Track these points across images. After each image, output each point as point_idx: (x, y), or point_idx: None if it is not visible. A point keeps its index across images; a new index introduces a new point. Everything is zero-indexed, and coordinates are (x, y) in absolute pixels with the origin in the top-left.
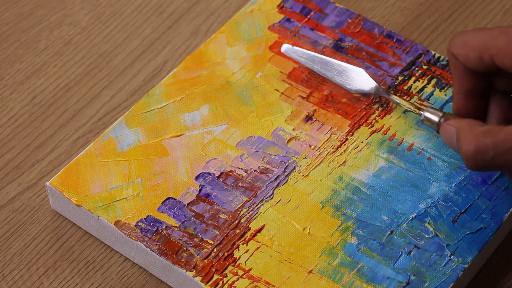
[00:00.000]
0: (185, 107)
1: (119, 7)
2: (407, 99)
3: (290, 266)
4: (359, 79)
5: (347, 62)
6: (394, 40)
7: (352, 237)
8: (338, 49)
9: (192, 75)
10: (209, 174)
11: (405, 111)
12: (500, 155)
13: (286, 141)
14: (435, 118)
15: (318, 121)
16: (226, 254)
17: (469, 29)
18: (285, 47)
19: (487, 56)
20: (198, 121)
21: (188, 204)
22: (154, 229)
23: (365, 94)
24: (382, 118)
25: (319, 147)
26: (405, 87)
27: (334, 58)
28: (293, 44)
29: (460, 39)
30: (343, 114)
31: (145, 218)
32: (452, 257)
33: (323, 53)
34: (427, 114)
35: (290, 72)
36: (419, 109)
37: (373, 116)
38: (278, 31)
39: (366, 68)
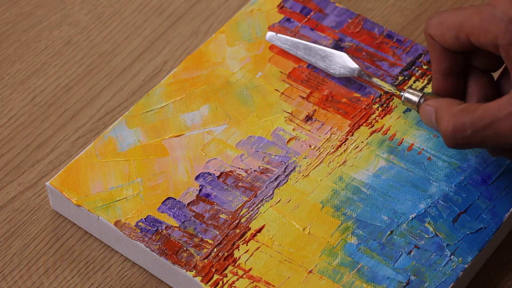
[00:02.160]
0: (185, 107)
1: (119, 7)
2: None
3: (290, 266)
4: (342, 63)
5: (329, 47)
6: (394, 40)
7: (352, 237)
8: (338, 49)
9: (192, 75)
10: (209, 174)
11: (405, 111)
12: (478, 132)
13: (286, 141)
14: (414, 99)
15: (318, 121)
16: (226, 254)
17: (444, 10)
18: (269, 35)
19: (463, 35)
20: (198, 121)
21: (188, 204)
22: (154, 229)
23: (349, 78)
24: (382, 118)
25: (319, 147)
26: (405, 87)
27: (317, 44)
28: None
29: (436, 20)
30: (343, 114)
31: (145, 218)
32: (452, 257)
33: (307, 40)
34: (407, 95)
35: (290, 72)
36: (400, 90)
37: (373, 116)
38: (278, 31)
39: (366, 68)
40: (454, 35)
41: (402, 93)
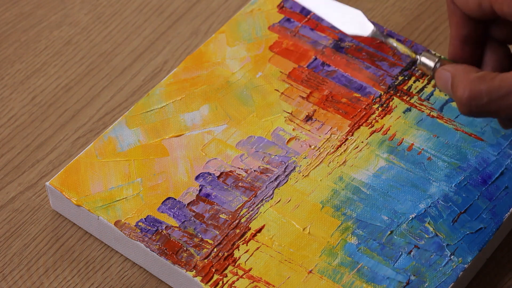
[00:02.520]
0: (185, 107)
1: (119, 7)
2: (407, 97)
3: (290, 266)
4: (357, 21)
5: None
6: None
7: (352, 237)
8: (338, 49)
9: (192, 75)
10: (209, 174)
11: (405, 111)
12: (494, 101)
13: (286, 141)
14: (430, 63)
15: (318, 121)
16: (226, 254)
17: None
18: None
19: (486, 3)
20: (198, 121)
21: (188, 204)
22: (154, 229)
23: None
24: (382, 118)
25: (319, 147)
26: (405, 87)
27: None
28: (293, 44)
29: None
30: (343, 114)
31: (145, 218)
32: (452, 257)
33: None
34: (423, 59)
35: (290, 72)
36: (415, 53)
37: (373, 116)
38: (278, 31)
39: (366, 68)
40: (477, 2)
41: (417, 56)
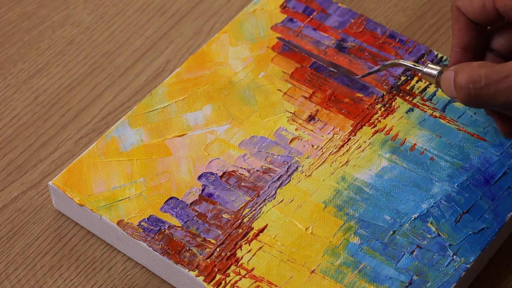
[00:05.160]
0: (188, 107)
1: (122, 6)
2: (410, 97)
3: (292, 266)
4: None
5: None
6: (397, 40)
7: (355, 237)
8: (340, 49)
9: (194, 75)
10: (212, 174)
11: (408, 111)
12: (492, 84)
13: (289, 141)
14: (434, 72)
15: (320, 121)
16: (228, 253)
17: None
18: None
19: (490, 3)
20: (201, 121)
21: (191, 203)
22: (157, 228)
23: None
24: (384, 118)
25: (321, 147)
26: (408, 87)
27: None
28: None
29: None
30: (346, 114)
31: (147, 218)
32: (454, 257)
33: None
34: (427, 70)
35: (292, 72)
36: (422, 64)
37: (376, 116)
38: (281, 31)
39: (369, 69)
40: (482, 3)
41: (421, 67)
